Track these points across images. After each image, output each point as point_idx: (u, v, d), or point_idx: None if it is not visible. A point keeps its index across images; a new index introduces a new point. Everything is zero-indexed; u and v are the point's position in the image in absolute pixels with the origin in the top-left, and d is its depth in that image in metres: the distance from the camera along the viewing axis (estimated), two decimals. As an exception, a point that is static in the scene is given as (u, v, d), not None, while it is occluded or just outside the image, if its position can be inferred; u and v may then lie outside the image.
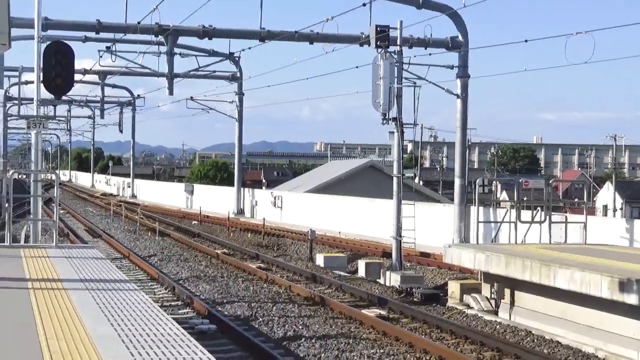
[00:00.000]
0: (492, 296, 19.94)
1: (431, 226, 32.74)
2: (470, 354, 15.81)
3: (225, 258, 30.36)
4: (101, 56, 42.11)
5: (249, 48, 39.73)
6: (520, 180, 26.39)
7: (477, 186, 27.77)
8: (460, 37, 32.97)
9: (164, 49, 39.52)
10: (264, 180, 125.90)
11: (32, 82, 40.83)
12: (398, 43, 27.57)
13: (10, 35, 14.82)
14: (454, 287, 21.88)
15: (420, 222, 28.70)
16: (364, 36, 32.35)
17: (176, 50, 40.31)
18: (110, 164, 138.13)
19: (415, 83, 27.84)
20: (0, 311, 10.46)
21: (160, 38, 37.44)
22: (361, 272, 28.14)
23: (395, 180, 27.64)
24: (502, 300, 19.72)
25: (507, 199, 60.17)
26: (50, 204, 53.74)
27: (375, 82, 26.64)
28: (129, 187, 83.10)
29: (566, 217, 25.37)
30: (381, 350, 15.84)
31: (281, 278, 25.12)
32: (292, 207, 47.84)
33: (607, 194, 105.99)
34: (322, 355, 15.42)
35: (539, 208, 24.74)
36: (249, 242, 37.93)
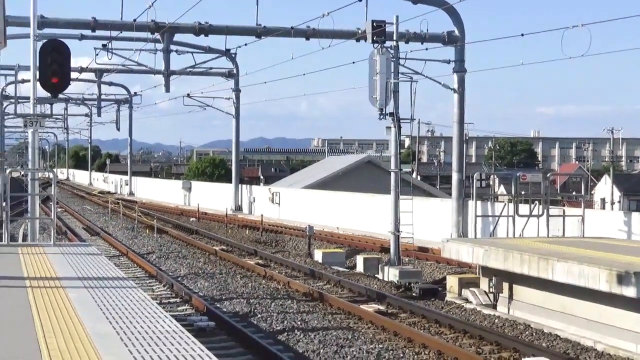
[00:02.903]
0: (491, 290, 19.94)
1: (429, 221, 32.72)
2: (469, 348, 15.82)
3: (224, 255, 30.36)
4: (97, 54, 42.15)
5: (245, 44, 39.72)
6: (517, 174, 26.42)
7: (474, 180, 27.72)
8: (456, 32, 32.93)
9: (160, 46, 39.52)
10: (261, 177, 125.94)
11: (28, 81, 40.70)
12: (394, 38, 27.57)
13: (5, 34, 14.83)
14: (452, 282, 21.88)
15: (418, 217, 28.70)
16: (360, 31, 32.33)
17: (172, 47, 40.30)
18: (108, 161, 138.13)
19: (412, 78, 27.85)
20: (-2, 310, 10.46)
21: (156, 35, 37.39)
22: (359, 268, 28.13)
23: (392, 175, 27.63)
24: (500, 294, 19.72)
25: (505, 192, 60.21)
26: (48, 202, 53.81)
27: (371, 77, 26.64)
28: (127, 184, 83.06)
29: (564, 210, 25.38)
30: (380, 345, 15.85)
31: (279, 274, 25.11)
32: (290, 203, 47.83)
33: (604, 187, 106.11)
34: (322, 350, 15.42)
35: (536, 202, 24.74)
36: (247, 239, 37.92)
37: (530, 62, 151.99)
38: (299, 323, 17.91)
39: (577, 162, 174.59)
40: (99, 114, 77.98)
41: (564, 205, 32.88)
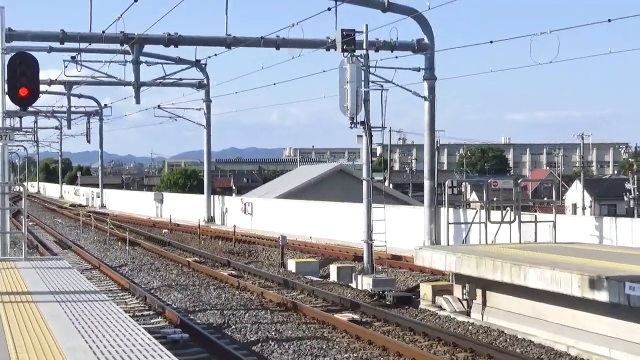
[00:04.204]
0: (464, 297, 19.99)
1: (402, 229, 32.79)
2: (443, 355, 15.84)
3: (197, 266, 30.24)
4: (66, 66, 41.96)
5: (215, 55, 39.67)
6: (489, 181, 26.49)
7: (446, 188, 27.83)
8: (426, 40, 33.06)
9: (129, 57, 39.37)
10: (233, 187, 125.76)
11: (-3, 94, 40.33)
12: (364, 47, 27.60)
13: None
14: (425, 289, 21.92)
15: (391, 225, 28.74)
16: (330, 40, 32.36)
17: (142, 58, 40.16)
18: (79, 174, 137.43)
19: (382, 86, 27.91)
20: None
21: (126, 47, 37.26)
22: (333, 277, 28.13)
23: (364, 183, 27.66)
24: (474, 301, 19.78)
25: (477, 199, 60.45)
26: (19, 216, 53.43)
27: (342, 86, 26.64)
28: (98, 197, 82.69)
29: (536, 216, 25.51)
30: (355, 355, 15.83)
31: (253, 285, 25.06)
32: (263, 214, 47.77)
33: (575, 192, 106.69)
34: (296, 361, 15.39)
35: (508, 208, 24.83)
36: (220, 250, 37.83)
37: (500, 69, 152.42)
38: (273, 333, 17.87)
39: (548, 167, 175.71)
40: (69, 127, 77.71)
41: (535, 211, 33.05)
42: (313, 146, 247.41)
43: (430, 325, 18.68)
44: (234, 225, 42.89)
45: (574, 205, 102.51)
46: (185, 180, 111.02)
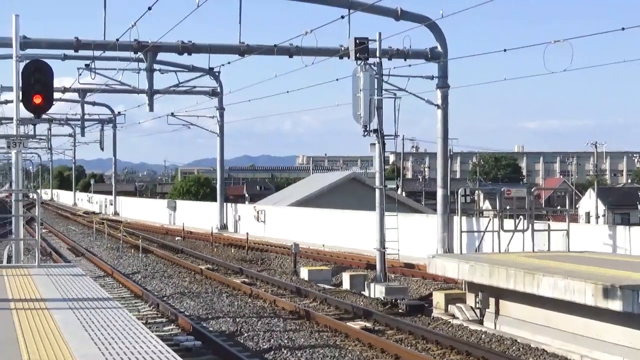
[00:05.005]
0: (477, 306, 19.94)
1: (414, 237, 32.74)
2: (456, 364, 15.80)
3: (209, 274, 30.26)
4: (80, 74, 42.12)
5: (229, 63, 39.72)
6: (502, 189, 26.39)
7: (459, 196, 27.74)
8: (439, 48, 33.02)
9: (143, 65, 39.48)
10: (246, 195, 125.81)
11: (11, 102, 40.52)
12: (377, 55, 27.63)
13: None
14: (438, 298, 21.87)
15: (404, 233, 28.70)
16: (343, 49, 32.39)
17: (156, 66, 40.29)
18: (92, 181, 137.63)
19: (395, 94, 27.93)
20: (-18, 333, 10.39)
21: (140, 55, 37.33)
22: (346, 285, 28.11)
23: (377, 191, 27.65)
24: (487, 310, 19.72)
25: (490, 208, 60.29)
26: (32, 223, 53.54)
27: (355, 94, 26.67)
28: (111, 204, 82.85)
29: (549, 225, 25.42)
30: (367, 363, 15.81)
31: (266, 292, 25.05)
32: (276, 221, 47.77)
33: (589, 201, 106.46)
34: (308, 369, 15.36)
35: (521, 216, 24.78)
36: (233, 257, 37.83)
37: (513, 77, 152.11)
38: (285, 341, 17.86)
39: (561, 176, 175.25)
40: (82, 134, 77.86)
41: (548, 220, 32.95)
42: (326, 154, 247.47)
43: (443, 333, 18.64)
44: (247, 233, 42.90)
45: (588, 214, 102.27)
46: (198, 187, 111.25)
